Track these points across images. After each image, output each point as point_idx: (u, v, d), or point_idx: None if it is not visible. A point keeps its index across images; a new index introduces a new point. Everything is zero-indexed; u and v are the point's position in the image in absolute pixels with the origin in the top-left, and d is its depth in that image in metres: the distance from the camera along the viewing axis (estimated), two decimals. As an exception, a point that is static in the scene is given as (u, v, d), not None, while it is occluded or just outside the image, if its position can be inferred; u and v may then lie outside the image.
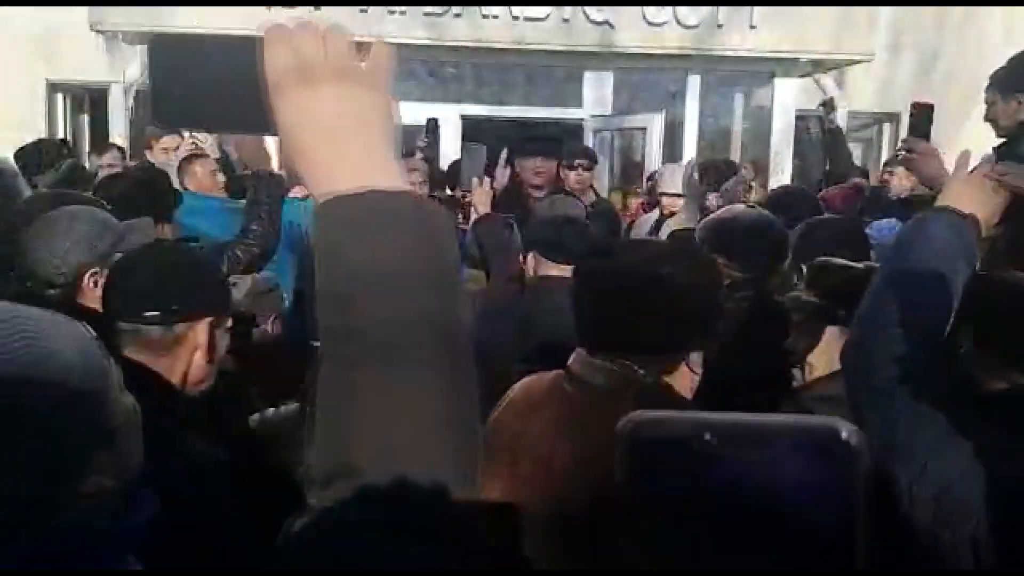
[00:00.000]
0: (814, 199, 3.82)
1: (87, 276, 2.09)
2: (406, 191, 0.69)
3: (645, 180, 5.91)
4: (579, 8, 6.68)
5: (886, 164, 5.03)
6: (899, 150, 2.86)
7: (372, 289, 0.66)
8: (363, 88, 0.70)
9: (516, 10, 6.64)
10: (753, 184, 5.35)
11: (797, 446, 0.53)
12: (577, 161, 4.41)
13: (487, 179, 3.23)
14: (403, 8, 6.58)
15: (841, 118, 4.85)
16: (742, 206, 3.06)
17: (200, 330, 1.58)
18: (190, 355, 1.57)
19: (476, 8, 6.63)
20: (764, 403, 1.83)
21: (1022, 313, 1.33)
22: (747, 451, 0.52)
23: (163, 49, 0.73)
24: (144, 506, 0.83)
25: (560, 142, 4.62)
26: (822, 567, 0.53)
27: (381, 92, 0.71)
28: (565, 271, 2.27)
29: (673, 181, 4.50)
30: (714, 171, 5.08)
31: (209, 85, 0.71)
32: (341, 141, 0.69)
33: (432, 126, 4.56)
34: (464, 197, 3.39)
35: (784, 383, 1.98)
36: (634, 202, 6.27)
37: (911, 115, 2.91)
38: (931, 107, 2.92)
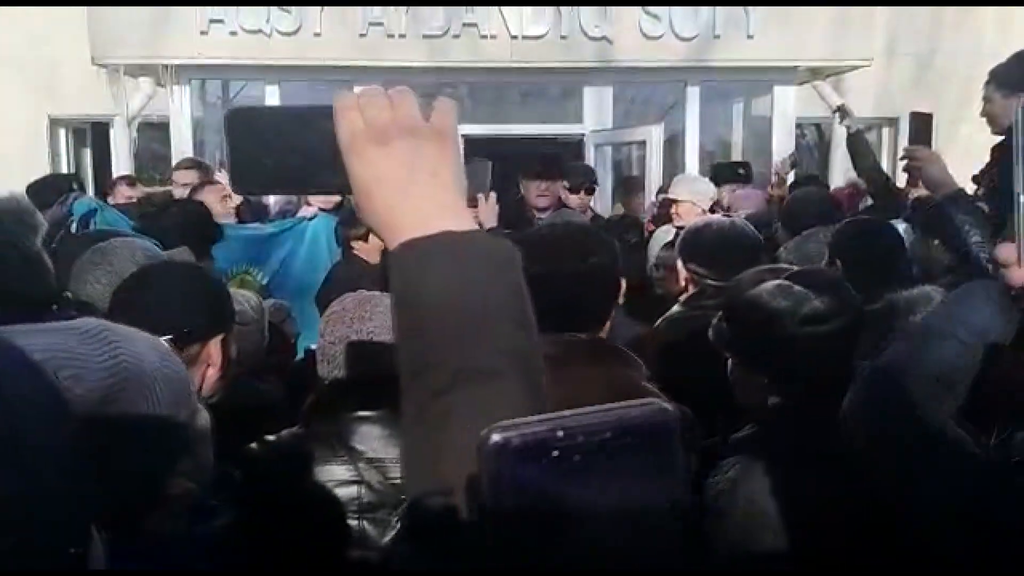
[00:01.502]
0: (827, 202, 3.85)
1: None
2: (477, 230, 0.74)
3: (656, 194, 5.93)
4: (577, 24, 6.72)
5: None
6: (902, 158, 2.92)
7: (450, 322, 0.69)
8: (431, 142, 0.76)
9: (514, 29, 6.69)
10: (787, 177, 5.34)
11: (626, 432, 0.54)
12: (579, 183, 4.50)
13: (492, 194, 3.27)
14: (402, 31, 6.63)
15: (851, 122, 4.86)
16: (717, 215, 3.13)
17: (213, 348, 1.61)
18: (203, 372, 1.60)
19: (474, 29, 6.67)
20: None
21: None
22: (589, 443, 0.54)
23: (239, 121, 0.80)
24: (217, 515, 0.88)
25: (561, 162, 4.69)
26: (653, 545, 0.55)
27: (447, 145, 0.77)
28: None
29: (681, 187, 4.56)
30: (729, 171, 5.15)
31: (283, 152, 0.78)
32: (413, 192, 0.74)
33: None
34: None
35: None
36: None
37: (911, 123, 2.98)
38: (930, 116, 2.99)
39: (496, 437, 0.54)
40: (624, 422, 0.55)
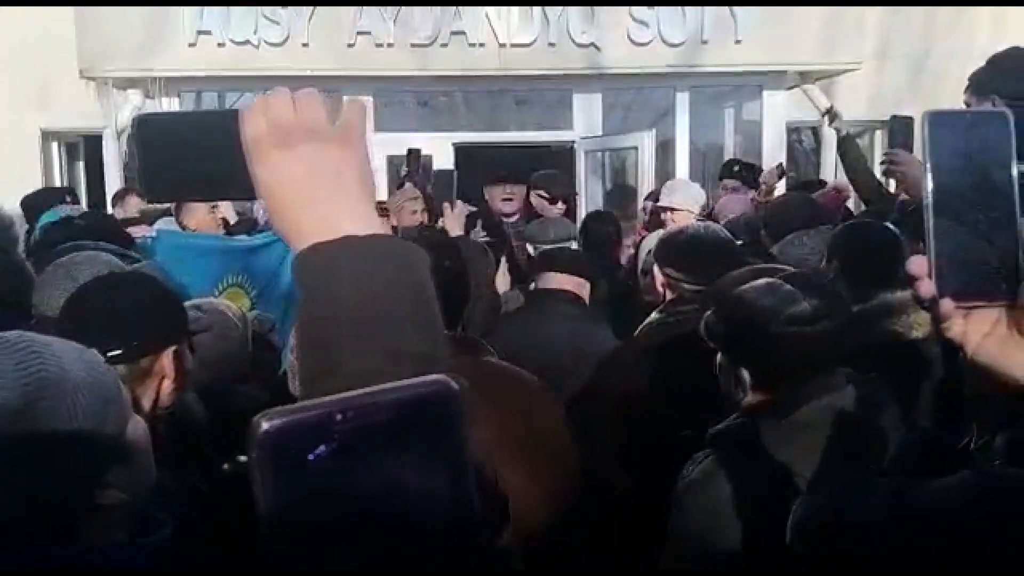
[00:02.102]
0: (808, 205, 3.86)
1: None
2: (381, 234, 0.72)
3: (642, 199, 5.93)
4: (565, 31, 6.73)
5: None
6: (882, 162, 3.05)
7: (351, 325, 0.68)
8: (336, 145, 0.74)
9: (502, 37, 6.70)
10: (775, 187, 5.37)
11: (408, 410, 0.52)
12: (555, 192, 4.44)
13: (459, 203, 3.28)
14: (390, 40, 6.64)
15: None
16: (693, 220, 3.15)
17: (166, 360, 1.59)
18: (158, 384, 1.59)
19: (463, 37, 6.68)
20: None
21: None
22: (369, 424, 0.51)
23: (148, 128, 0.79)
24: (160, 528, 0.87)
25: (529, 167, 4.66)
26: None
27: (354, 147, 0.75)
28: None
29: (677, 195, 4.54)
30: (727, 169, 5.19)
31: (193, 158, 0.77)
32: (316, 196, 0.73)
33: (414, 155, 4.61)
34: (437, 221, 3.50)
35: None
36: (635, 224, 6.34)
37: (892, 127, 3.06)
38: (911, 119, 3.04)
39: (265, 425, 0.49)
40: (405, 400, 0.52)
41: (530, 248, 3.57)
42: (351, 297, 0.68)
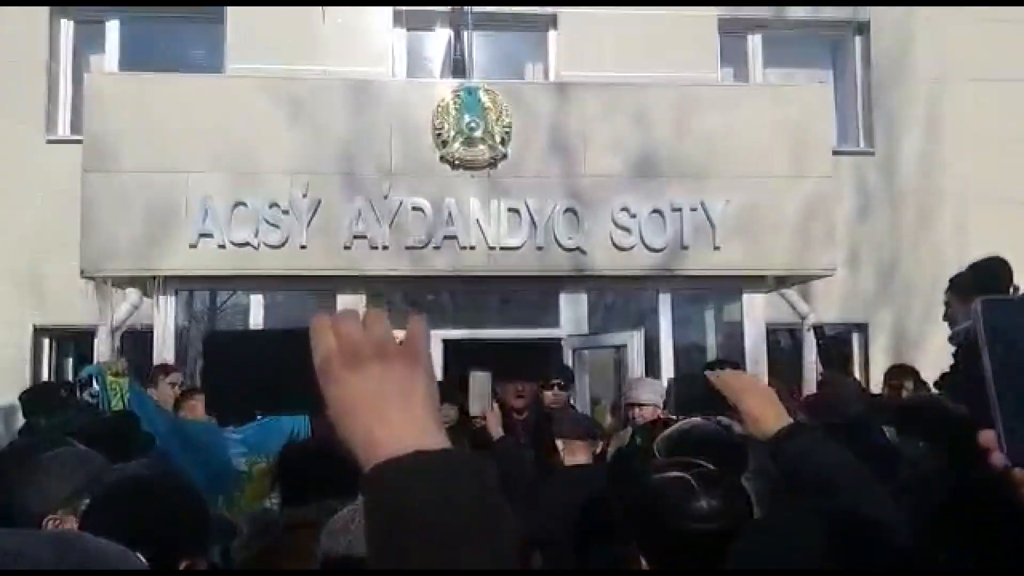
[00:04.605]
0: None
1: (44, 523, 2.00)
2: (450, 449, 0.76)
3: (620, 396, 6.04)
4: (552, 236, 7.05)
5: (892, 374, 5.28)
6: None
7: (427, 542, 0.70)
8: (402, 363, 0.80)
9: (491, 240, 7.00)
10: None
11: None
12: (553, 381, 4.62)
13: (495, 405, 3.42)
14: (385, 243, 6.91)
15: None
16: (698, 418, 3.20)
17: None
18: None
19: (455, 241, 6.97)
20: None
21: None
22: None
23: (216, 346, 0.85)
24: None
25: (537, 364, 4.84)
26: None
27: (418, 363, 0.81)
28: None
29: (641, 392, 4.62)
30: (731, 367, 5.35)
31: (257, 376, 0.82)
32: (386, 415, 0.78)
33: None
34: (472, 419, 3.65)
35: None
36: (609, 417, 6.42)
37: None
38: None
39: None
40: None
41: (560, 444, 3.66)
42: (425, 514, 0.71)
